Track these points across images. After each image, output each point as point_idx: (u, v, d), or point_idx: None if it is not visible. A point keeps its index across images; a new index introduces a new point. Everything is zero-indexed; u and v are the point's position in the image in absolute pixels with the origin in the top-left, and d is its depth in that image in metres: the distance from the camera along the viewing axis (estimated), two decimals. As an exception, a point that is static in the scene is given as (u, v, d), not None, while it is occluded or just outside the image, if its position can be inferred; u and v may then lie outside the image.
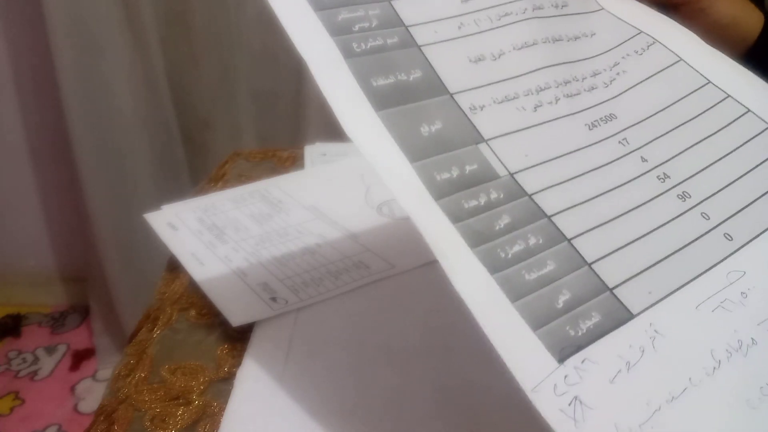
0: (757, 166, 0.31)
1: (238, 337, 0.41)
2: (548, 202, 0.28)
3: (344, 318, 0.42)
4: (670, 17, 0.37)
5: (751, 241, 0.29)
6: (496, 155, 0.28)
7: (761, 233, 0.29)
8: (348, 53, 0.29)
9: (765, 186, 0.30)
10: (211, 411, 0.36)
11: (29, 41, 1.22)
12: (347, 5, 0.30)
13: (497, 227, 0.26)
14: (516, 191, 0.28)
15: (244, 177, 0.63)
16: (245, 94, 1.21)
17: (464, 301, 0.24)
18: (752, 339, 0.26)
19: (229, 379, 0.38)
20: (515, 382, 0.23)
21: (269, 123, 1.24)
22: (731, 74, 0.34)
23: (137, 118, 1.17)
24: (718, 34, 0.39)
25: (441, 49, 0.31)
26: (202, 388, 0.38)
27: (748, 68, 0.37)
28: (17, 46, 1.25)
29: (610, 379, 0.24)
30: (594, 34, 0.35)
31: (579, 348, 0.24)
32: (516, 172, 0.28)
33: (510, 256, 0.26)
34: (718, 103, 0.33)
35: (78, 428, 1.19)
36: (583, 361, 0.24)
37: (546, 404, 0.23)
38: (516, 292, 0.25)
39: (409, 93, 0.29)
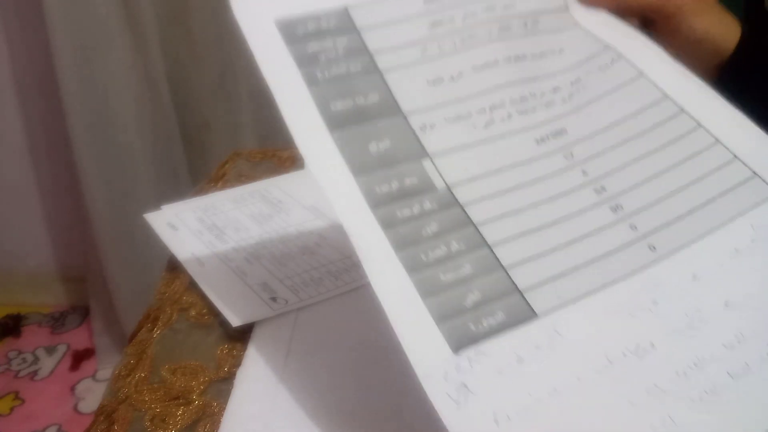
0: (694, 181, 0.32)
1: (238, 337, 0.41)
2: (478, 212, 0.30)
3: (344, 318, 0.42)
4: (645, 33, 0.38)
5: (673, 253, 0.30)
6: (437, 170, 0.31)
7: (684, 246, 0.30)
8: (311, 82, 0.31)
9: (698, 201, 0.31)
10: (211, 411, 0.36)
11: (29, 41, 1.22)
12: (317, 37, 0.32)
13: (424, 233, 0.29)
14: (449, 202, 0.30)
15: (244, 177, 0.63)
16: (245, 94, 1.21)
17: (377, 296, 0.27)
18: (651, 344, 0.28)
19: (229, 379, 0.38)
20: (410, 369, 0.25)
21: (269, 123, 1.24)
22: (691, 90, 0.35)
23: (137, 118, 1.16)
24: (692, 49, 0.40)
25: (401, 73, 0.33)
26: (202, 388, 0.38)
27: (724, 82, 0.38)
28: (17, 46, 1.25)
29: (498, 371, 0.26)
30: (562, 50, 0.36)
31: (476, 341, 0.27)
32: (453, 185, 0.31)
33: (431, 259, 0.28)
34: (672, 117, 0.34)
35: (78, 428, 1.19)
36: (477, 354, 0.26)
37: (434, 389, 0.25)
38: (428, 291, 0.27)
39: (364, 114, 0.31)
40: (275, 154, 0.69)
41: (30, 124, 1.33)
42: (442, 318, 0.27)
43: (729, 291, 0.29)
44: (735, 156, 0.33)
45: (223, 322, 0.42)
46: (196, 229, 0.52)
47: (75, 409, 1.24)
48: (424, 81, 0.33)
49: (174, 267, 0.49)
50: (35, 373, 1.31)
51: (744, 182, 0.32)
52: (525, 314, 0.28)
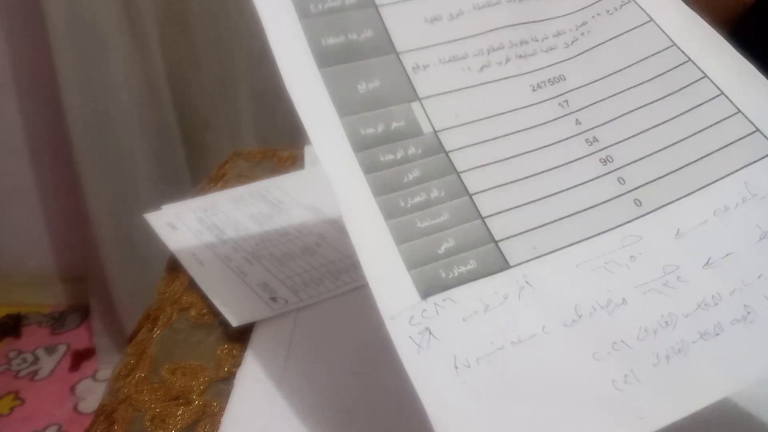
0: (693, 134, 0.31)
1: (238, 337, 0.41)
2: (462, 160, 0.30)
3: (344, 318, 0.42)
4: None
5: (658, 209, 0.29)
6: (425, 113, 0.30)
7: (670, 203, 0.29)
8: (304, 14, 0.30)
9: (693, 156, 0.30)
10: (211, 411, 0.36)
11: (29, 41, 1.22)
12: None
13: (405, 179, 0.29)
14: (434, 148, 0.30)
15: (244, 177, 0.63)
16: (245, 94, 1.21)
17: (352, 241, 0.27)
18: (623, 299, 0.27)
19: (229, 379, 0.38)
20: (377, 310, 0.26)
21: (269, 123, 1.24)
22: (701, 38, 0.33)
23: (137, 118, 1.16)
24: None
25: (399, 8, 0.32)
26: (202, 388, 0.38)
27: (742, 31, 0.37)
28: (17, 46, 1.25)
29: (463, 318, 0.26)
30: None
31: (445, 289, 0.27)
32: (440, 130, 0.30)
33: (409, 205, 0.28)
34: (676, 67, 0.32)
35: (78, 428, 1.19)
36: (444, 300, 0.26)
37: (398, 331, 0.26)
38: (403, 237, 0.27)
39: (356, 52, 0.30)
40: (275, 154, 0.69)
41: (30, 124, 1.33)
42: (413, 264, 0.27)
43: (711, 250, 0.28)
44: (738, 109, 0.31)
45: (223, 322, 0.42)
46: (196, 229, 0.52)
47: (75, 409, 1.24)
48: (421, 18, 0.32)
49: (174, 267, 0.49)
50: (35, 373, 1.31)
51: (744, 137, 0.30)
52: (497, 264, 0.28)
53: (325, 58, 0.30)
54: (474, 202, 0.29)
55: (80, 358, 1.35)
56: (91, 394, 1.26)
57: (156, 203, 0.55)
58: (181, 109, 1.22)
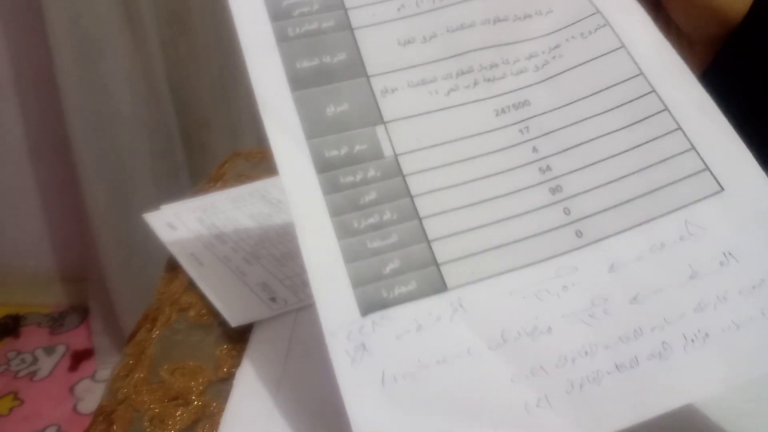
0: (645, 168, 0.31)
1: (238, 338, 0.41)
2: (417, 184, 0.31)
3: (344, 318, 0.42)
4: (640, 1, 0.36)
5: (597, 241, 0.30)
6: (388, 137, 0.31)
7: (609, 236, 0.30)
8: (281, 38, 0.32)
9: (641, 190, 0.31)
10: (211, 411, 0.36)
11: (29, 41, 1.22)
12: None
13: (361, 201, 0.30)
14: (393, 171, 0.31)
15: (243, 177, 0.63)
16: (245, 94, 1.21)
17: (303, 258, 0.28)
18: (549, 327, 0.28)
19: (228, 379, 0.38)
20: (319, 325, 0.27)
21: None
22: (668, 68, 0.33)
23: (137, 118, 1.16)
24: (699, 16, 0.39)
25: (374, 31, 0.33)
26: (201, 388, 0.38)
27: (729, 53, 0.37)
28: (17, 46, 1.25)
29: (397, 336, 0.27)
30: (550, 11, 0.35)
31: (384, 307, 0.28)
32: (401, 154, 0.31)
33: (362, 226, 0.29)
34: (640, 97, 0.33)
35: (77, 428, 1.19)
36: (381, 318, 0.28)
37: (336, 345, 0.27)
38: (352, 256, 0.29)
39: (328, 75, 0.32)
40: (275, 154, 0.68)
41: (30, 124, 1.33)
42: (358, 282, 0.28)
43: (641, 285, 0.29)
44: (692, 146, 0.31)
45: (222, 323, 0.42)
46: (195, 229, 0.52)
47: (74, 409, 1.23)
48: (395, 41, 0.33)
49: (173, 267, 0.49)
50: (34, 373, 1.31)
51: (693, 174, 0.31)
52: (436, 286, 0.29)
53: (299, 81, 0.31)
54: (423, 226, 0.30)
55: (79, 358, 1.35)
56: (91, 394, 1.26)
57: (155, 203, 0.55)
58: (180, 109, 1.22)
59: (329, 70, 0.32)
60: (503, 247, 0.30)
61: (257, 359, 0.39)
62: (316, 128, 0.31)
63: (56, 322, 1.45)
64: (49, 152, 1.33)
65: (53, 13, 1.05)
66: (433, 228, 0.30)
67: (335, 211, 0.29)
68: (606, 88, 0.33)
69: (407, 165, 0.31)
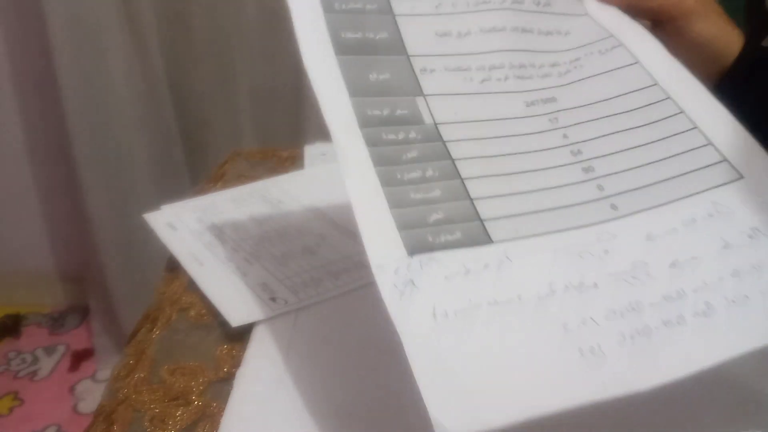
0: (667, 158, 0.34)
1: (238, 338, 0.41)
2: (458, 149, 0.33)
3: (344, 318, 0.42)
4: (654, 34, 0.40)
5: (632, 214, 0.32)
6: (428, 107, 0.33)
7: (643, 210, 0.32)
8: (328, 8, 0.34)
9: (666, 175, 0.33)
10: (211, 411, 0.36)
11: (29, 41, 1.22)
12: None
13: (403, 157, 0.32)
14: (433, 136, 0.33)
15: (243, 177, 0.63)
16: (245, 94, 1.21)
17: (350, 200, 0.29)
18: (595, 283, 0.29)
19: (228, 379, 0.38)
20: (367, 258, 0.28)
21: (269, 123, 1.24)
22: (681, 82, 0.37)
23: (137, 118, 1.16)
24: (696, 52, 0.42)
25: (413, 20, 0.36)
26: (201, 388, 0.38)
27: (723, 88, 0.40)
28: (17, 46, 1.25)
29: (445, 276, 0.29)
30: (569, 33, 0.39)
31: (431, 250, 0.29)
32: (440, 123, 0.33)
33: (405, 178, 0.31)
34: (657, 102, 0.36)
35: (77, 429, 1.19)
36: (429, 260, 0.29)
37: (384, 278, 0.28)
38: (397, 202, 0.30)
39: (371, 47, 0.34)
40: (275, 154, 0.68)
41: (30, 124, 1.32)
42: (404, 226, 0.30)
43: (678, 253, 0.31)
44: (710, 142, 0.34)
45: (222, 323, 0.42)
46: (195, 229, 0.52)
47: (74, 409, 1.23)
48: (432, 32, 0.36)
49: (173, 267, 0.49)
50: (34, 373, 1.31)
51: (714, 164, 0.34)
52: (481, 238, 0.30)
53: (343, 48, 0.33)
54: (465, 185, 0.31)
55: (79, 358, 1.35)
56: (91, 394, 1.26)
57: (155, 203, 0.55)
58: (180, 109, 1.22)
59: (372, 44, 0.34)
60: (543, 212, 0.31)
61: (257, 359, 0.39)
62: (359, 88, 0.33)
63: (56, 322, 1.45)
64: (49, 152, 1.33)
65: (53, 13, 1.05)
66: (475, 188, 0.31)
67: (379, 161, 0.31)
68: (625, 93, 0.36)
69: (447, 133, 0.33)
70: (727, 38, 0.43)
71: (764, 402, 0.34)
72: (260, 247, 0.50)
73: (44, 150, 1.34)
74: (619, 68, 0.37)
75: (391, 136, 0.32)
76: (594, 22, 0.40)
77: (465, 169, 0.32)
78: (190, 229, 0.52)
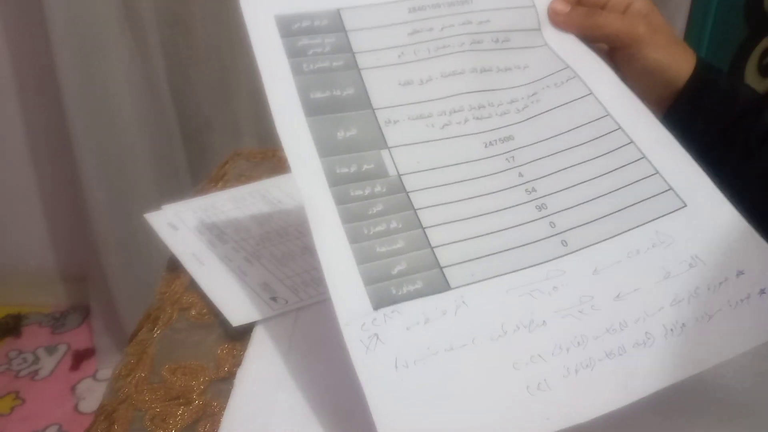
0: (616, 189, 0.36)
1: (239, 337, 0.41)
2: (420, 199, 0.35)
3: (344, 318, 0.42)
4: (608, 59, 0.43)
5: (580, 249, 0.34)
6: (392, 159, 0.36)
7: (591, 245, 0.34)
8: (297, 71, 0.36)
9: (615, 207, 0.35)
10: (211, 411, 0.36)
11: (29, 41, 1.22)
12: (308, 34, 0.37)
13: (369, 212, 0.34)
14: (397, 187, 0.35)
15: (244, 177, 0.63)
16: (245, 94, 1.21)
17: (319, 259, 0.32)
18: (544, 321, 0.32)
19: (229, 378, 0.38)
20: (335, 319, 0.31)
21: (269, 123, 1.24)
22: (631, 111, 0.39)
23: (137, 118, 1.16)
24: (647, 78, 0.43)
25: (378, 73, 0.38)
26: (202, 387, 0.38)
27: (673, 113, 0.43)
28: (17, 46, 1.25)
29: (406, 327, 0.31)
30: (527, 66, 0.41)
31: (394, 302, 0.31)
32: (404, 174, 0.35)
33: (371, 232, 0.33)
34: (608, 133, 0.38)
35: (78, 428, 1.19)
36: (392, 312, 0.31)
37: (351, 335, 0.30)
38: (364, 258, 0.32)
39: (339, 105, 0.36)
40: (275, 154, 0.69)
41: (30, 124, 1.32)
42: (370, 281, 0.32)
43: (622, 285, 0.33)
44: (657, 171, 0.36)
45: (223, 322, 0.42)
46: (196, 229, 0.52)
47: (75, 409, 1.24)
48: (396, 82, 0.38)
49: (174, 267, 0.49)
50: (36, 372, 1.31)
51: (659, 194, 0.35)
52: (440, 285, 0.32)
53: (313, 109, 0.36)
54: (426, 234, 0.34)
55: (80, 357, 1.35)
56: (92, 393, 1.26)
57: (156, 203, 0.55)
58: (181, 109, 1.22)
59: (339, 102, 0.36)
60: (498, 254, 0.33)
61: (258, 359, 0.39)
62: (328, 148, 0.35)
63: (57, 322, 1.45)
64: (49, 152, 1.33)
65: (53, 13, 1.05)
66: (435, 236, 0.34)
67: (346, 218, 0.33)
68: (578, 126, 0.38)
69: (410, 183, 0.35)
70: (677, 65, 0.43)
71: (751, 409, 0.35)
72: (261, 247, 0.50)
73: (45, 150, 1.34)
74: (573, 101, 0.39)
75: (358, 192, 0.34)
76: (552, 53, 0.42)
77: (426, 217, 0.34)
78: (190, 229, 0.52)
